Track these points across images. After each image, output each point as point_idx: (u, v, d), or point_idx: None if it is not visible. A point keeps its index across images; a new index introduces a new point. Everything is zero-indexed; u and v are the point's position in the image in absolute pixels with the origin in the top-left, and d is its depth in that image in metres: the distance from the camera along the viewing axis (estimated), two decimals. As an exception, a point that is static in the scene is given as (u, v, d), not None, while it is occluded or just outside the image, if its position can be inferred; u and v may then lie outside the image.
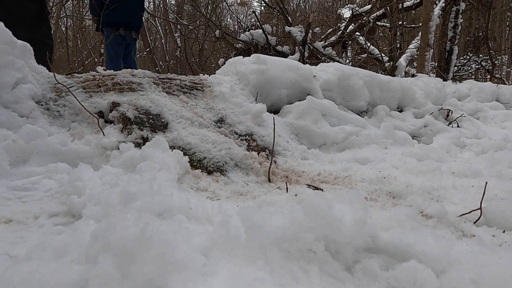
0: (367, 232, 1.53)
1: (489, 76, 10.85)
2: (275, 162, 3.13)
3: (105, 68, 4.21)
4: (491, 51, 11.49)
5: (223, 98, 3.70)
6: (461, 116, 5.12)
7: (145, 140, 2.87)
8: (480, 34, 11.95)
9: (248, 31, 8.95)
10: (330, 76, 4.55)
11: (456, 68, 10.61)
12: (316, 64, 5.82)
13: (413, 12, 11.95)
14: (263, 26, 8.73)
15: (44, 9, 4.07)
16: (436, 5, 9.49)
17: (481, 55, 12.49)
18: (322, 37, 10.72)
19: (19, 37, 3.20)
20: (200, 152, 2.92)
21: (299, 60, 7.49)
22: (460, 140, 4.27)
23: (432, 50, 9.34)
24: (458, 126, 4.91)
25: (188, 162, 2.69)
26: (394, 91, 5.01)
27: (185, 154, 2.78)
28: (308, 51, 8.62)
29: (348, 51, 11.22)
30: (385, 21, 10.70)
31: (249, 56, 4.44)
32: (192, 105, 3.44)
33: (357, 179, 2.98)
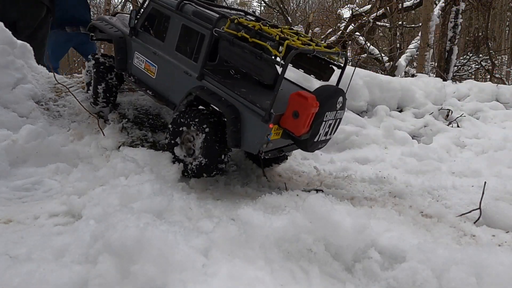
0: (367, 235, 1.53)
1: (489, 76, 10.84)
2: (275, 162, 3.13)
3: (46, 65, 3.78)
4: (491, 51, 11.48)
5: (223, 98, 3.69)
6: (461, 116, 5.12)
7: (145, 140, 2.87)
8: (480, 34, 11.93)
9: (248, 31, 8.92)
10: (330, 76, 4.54)
11: (456, 68, 10.59)
12: (316, 64, 5.79)
13: (413, 12, 11.95)
14: (263, 26, 8.71)
15: (50, 11, 4.17)
16: (436, 5, 9.47)
17: (481, 55, 12.46)
18: (322, 37, 10.73)
19: (36, 35, 3.23)
20: (200, 152, 2.92)
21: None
22: (460, 140, 4.28)
23: (432, 50, 9.33)
24: (458, 126, 4.91)
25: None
26: (394, 91, 5.00)
27: (185, 154, 2.77)
28: (308, 51, 8.60)
29: (348, 51, 11.20)
30: (385, 21, 10.69)
31: (249, 56, 4.42)
32: (192, 105, 3.43)
33: (357, 179, 2.98)
